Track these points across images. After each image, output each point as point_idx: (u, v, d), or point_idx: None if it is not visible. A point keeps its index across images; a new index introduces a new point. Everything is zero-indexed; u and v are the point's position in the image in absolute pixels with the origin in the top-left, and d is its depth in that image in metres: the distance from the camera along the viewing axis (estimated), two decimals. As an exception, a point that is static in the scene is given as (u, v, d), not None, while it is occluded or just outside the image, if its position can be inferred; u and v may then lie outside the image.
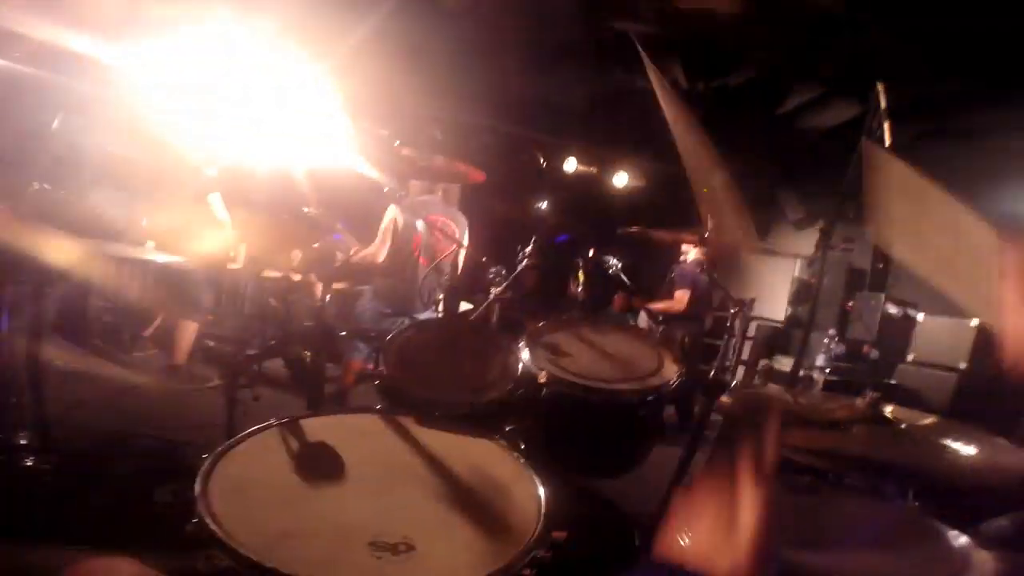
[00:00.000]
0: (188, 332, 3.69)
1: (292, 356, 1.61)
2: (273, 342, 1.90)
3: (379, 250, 3.19)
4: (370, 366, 3.17)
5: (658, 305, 4.26)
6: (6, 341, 1.25)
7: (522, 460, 1.28)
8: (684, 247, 4.37)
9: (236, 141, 2.29)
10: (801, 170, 6.13)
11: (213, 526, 0.88)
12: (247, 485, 1.03)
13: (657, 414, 1.66)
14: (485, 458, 1.29)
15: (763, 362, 4.05)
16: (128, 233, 3.23)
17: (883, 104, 2.17)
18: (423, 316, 3.21)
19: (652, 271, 4.67)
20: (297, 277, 3.90)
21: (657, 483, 1.75)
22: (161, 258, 1.37)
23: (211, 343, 3.85)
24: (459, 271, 3.22)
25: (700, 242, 3.51)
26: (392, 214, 3.24)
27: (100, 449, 2.66)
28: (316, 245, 2.28)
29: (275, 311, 1.68)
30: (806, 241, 6.18)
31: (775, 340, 5.31)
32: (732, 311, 2.05)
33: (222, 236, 3.63)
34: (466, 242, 3.31)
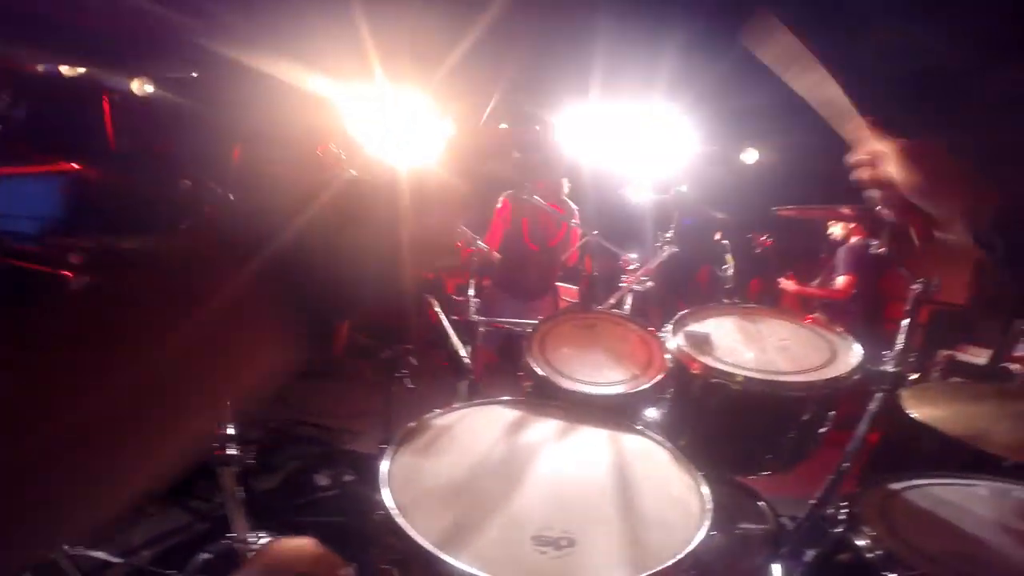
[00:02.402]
0: (342, 328, 4.10)
1: (448, 349, 1.68)
2: (429, 337, 2.01)
3: (491, 239, 3.37)
4: (496, 357, 3.32)
5: (816, 291, 3.87)
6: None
7: (676, 454, 1.23)
8: (832, 225, 3.93)
9: (375, 150, 2.44)
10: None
11: (399, 518, 0.92)
12: (420, 474, 1.08)
13: (827, 411, 1.48)
14: (637, 451, 1.25)
15: (943, 353, 3.48)
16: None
17: None
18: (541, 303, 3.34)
19: (802, 253, 4.26)
20: (429, 275, 4.16)
21: (814, 483, 1.67)
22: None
23: (361, 338, 4.22)
24: (575, 257, 3.27)
25: (862, 219, 3.13)
26: (501, 203, 3.46)
27: (269, 438, 3.01)
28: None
29: (427, 305, 1.77)
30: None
31: (956, 327, 4.57)
32: (912, 291, 1.77)
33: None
34: (578, 228, 3.35)
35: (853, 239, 3.81)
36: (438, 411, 1.29)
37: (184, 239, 0.42)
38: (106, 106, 4.31)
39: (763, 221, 3.94)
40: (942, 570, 1.02)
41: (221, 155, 3.61)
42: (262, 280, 0.38)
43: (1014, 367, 3.10)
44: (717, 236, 3.32)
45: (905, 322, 1.86)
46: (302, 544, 0.97)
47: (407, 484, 1.03)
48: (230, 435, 1.37)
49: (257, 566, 0.96)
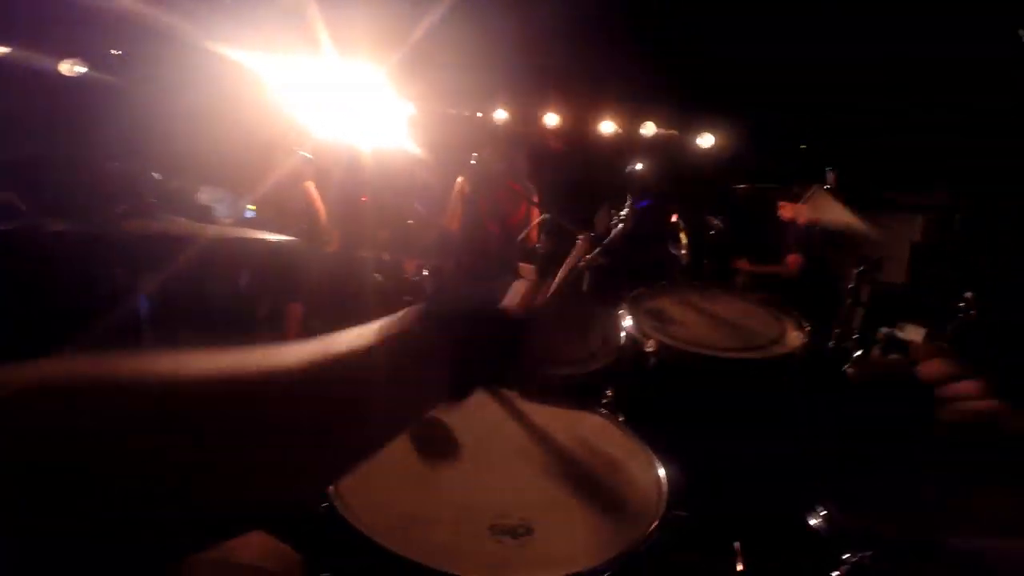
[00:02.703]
0: (295, 313, 3.95)
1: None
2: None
3: (451, 220, 3.30)
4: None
5: (766, 270, 3.98)
6: (145, 325, 1.34)
7: (632, 435, 1.22)
8: (782, 206, 4.04)
9: (329, 133, 2.35)
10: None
11: (344, 512, 0.88)
12: (370, 466, 1.03)
13: (780, 387, 1.52)
14: (593, 433, 1.24)
15: (883, 330, 3.65)
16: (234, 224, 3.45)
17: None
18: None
19: (754, 233, 4.37)
20: (387, 256, 4.05)
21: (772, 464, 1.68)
22: (272, 237, 1.40)
23: (317, 323, 4.09)
24: (535, 237, 3.22)
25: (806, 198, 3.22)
26: (459, 184, 3.39)
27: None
28: (410, 222, 2.33)
29: (380, 287, 1.70)
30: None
31: (895, 305, 4.80)
32: (857, 271, 1.83)
33: (318, 221, 3.84)
34: (537, 208, 3.33)
35: (801, 219, 3.93)
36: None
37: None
38: (29, 86, 4.06)
39: (717, 203, 4.01)
40: (898, 550, 1.04)
41: (153, 136, 3.41)
42: None
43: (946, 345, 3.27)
44: (673, 217, 3.37)
45: (848, 301, 1.93)
46: (250, 535, 0.92)
47: (359, 475, 0.98)
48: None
49: (206, 558, 0.91)
